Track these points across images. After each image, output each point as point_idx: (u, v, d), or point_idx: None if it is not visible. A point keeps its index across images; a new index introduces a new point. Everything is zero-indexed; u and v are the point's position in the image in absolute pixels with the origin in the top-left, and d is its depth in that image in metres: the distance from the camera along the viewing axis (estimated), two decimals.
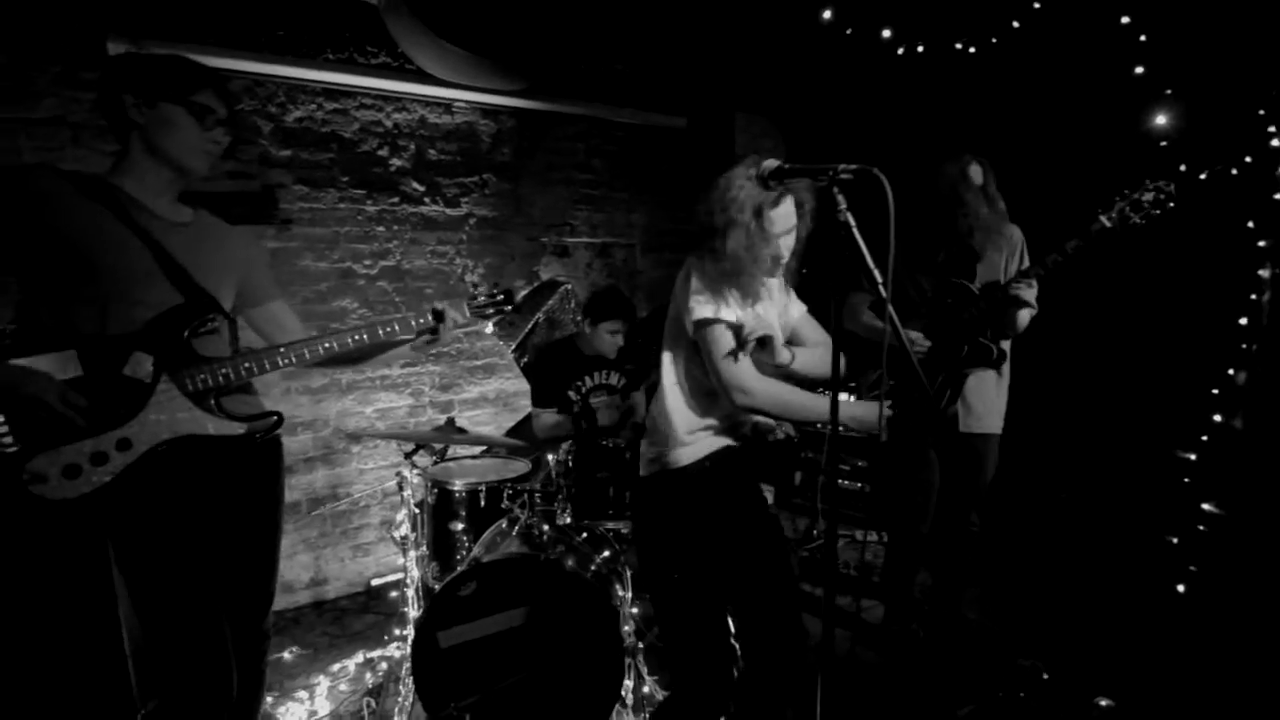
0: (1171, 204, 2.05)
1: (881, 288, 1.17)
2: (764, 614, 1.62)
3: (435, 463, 2.54)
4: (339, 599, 3.20)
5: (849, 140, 4.18)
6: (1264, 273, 2.46)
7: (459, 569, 2.10)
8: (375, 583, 3.28)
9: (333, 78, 3.00)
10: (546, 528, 2.24)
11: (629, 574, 2.31)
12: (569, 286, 3.69)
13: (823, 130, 4.33)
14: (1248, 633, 2.43)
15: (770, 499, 4.32)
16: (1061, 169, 3.06)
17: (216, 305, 1.50)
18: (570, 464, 2.27)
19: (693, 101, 4.12)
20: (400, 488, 2.40)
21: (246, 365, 1.49)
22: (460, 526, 2.45)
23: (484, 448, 3.09)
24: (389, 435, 2.59)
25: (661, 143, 4.00)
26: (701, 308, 1.50)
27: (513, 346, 3.60)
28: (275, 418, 1.57)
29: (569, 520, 2.26)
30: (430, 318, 1.64)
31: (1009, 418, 2.49)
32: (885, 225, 1.20)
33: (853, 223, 1.18)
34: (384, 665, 2.54)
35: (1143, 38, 2.53)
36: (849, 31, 2.79)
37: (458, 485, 2.43)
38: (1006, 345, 2.44)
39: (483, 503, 2.45)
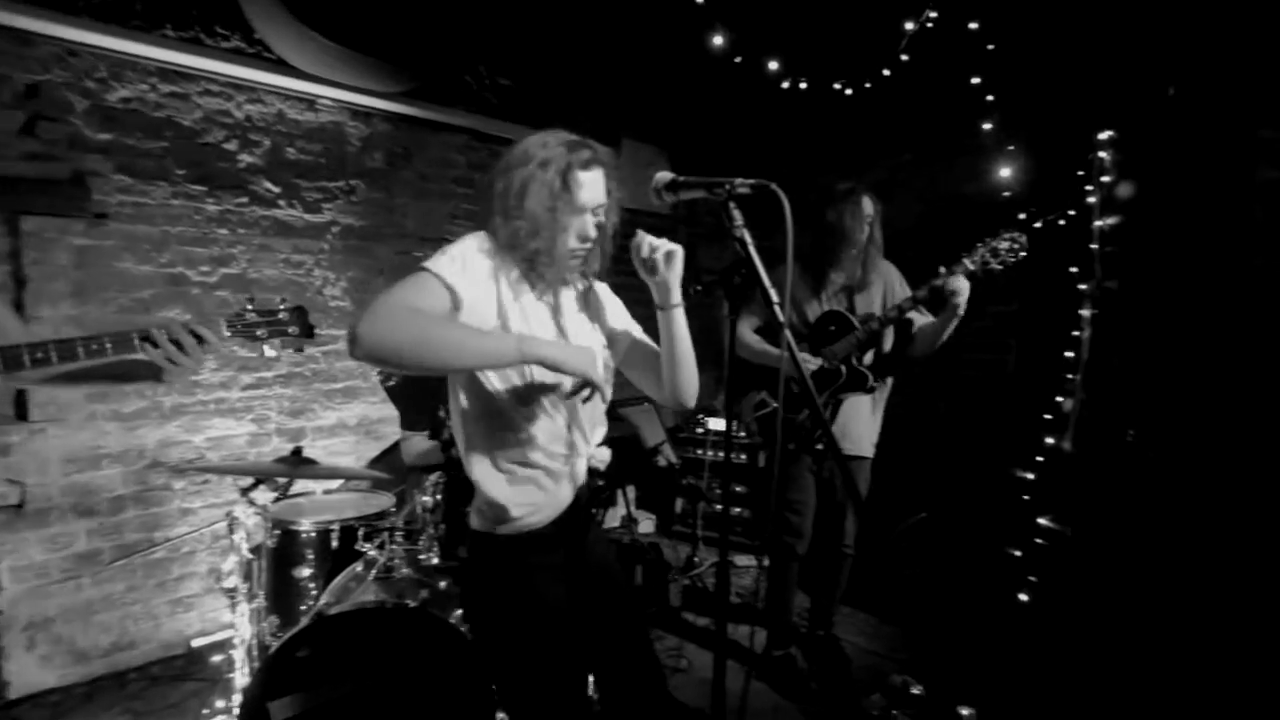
0: (1024, 253, 2.24)
1: (778, 307, 1.12)
2: (614, 670, 1.42)
3: (277, 499, 2.21)
4: (150, 665, 2.70)
5: (735, 171, 4.31)
6: (1084, 312, 2.76)
7: (301, 623, 1.80)
8: (198, 643, 2.80)
9: (171, 57, 2.63)
10: (408, 570, 2.00)
11: None
12: None
13: (710, 161, 4.45)
14: (1082, 635, 2.64)
15: (651, 527, 4.31)
16: (921, 211, 3.32)
17: None
18: (439, 497, 2.04)
19: (580, 123, 4.07)
20: (230, 529, 2.05)
21: None
22: (307, 573, 2.16)
23: (340, 481, 2.78)
24: (221, 469, 2.22)
25: None
26: (436, 260, 1.20)
27: (378, 370, 3.29)
28: None
29: (436, 560, 2.03)
30: (139, 339, 1.27)
31: (880, 442, 2.59)
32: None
33: (749, 239, 1.13)
34: None
35: (990, 97, 2.81)
36: (737, 60, 2.87)
37: (305, 525, 2.15)
38: (886, 381, 2.54)
39: (335, 544, 2.18)
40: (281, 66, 2.89)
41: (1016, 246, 2.23)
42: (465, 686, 1.77)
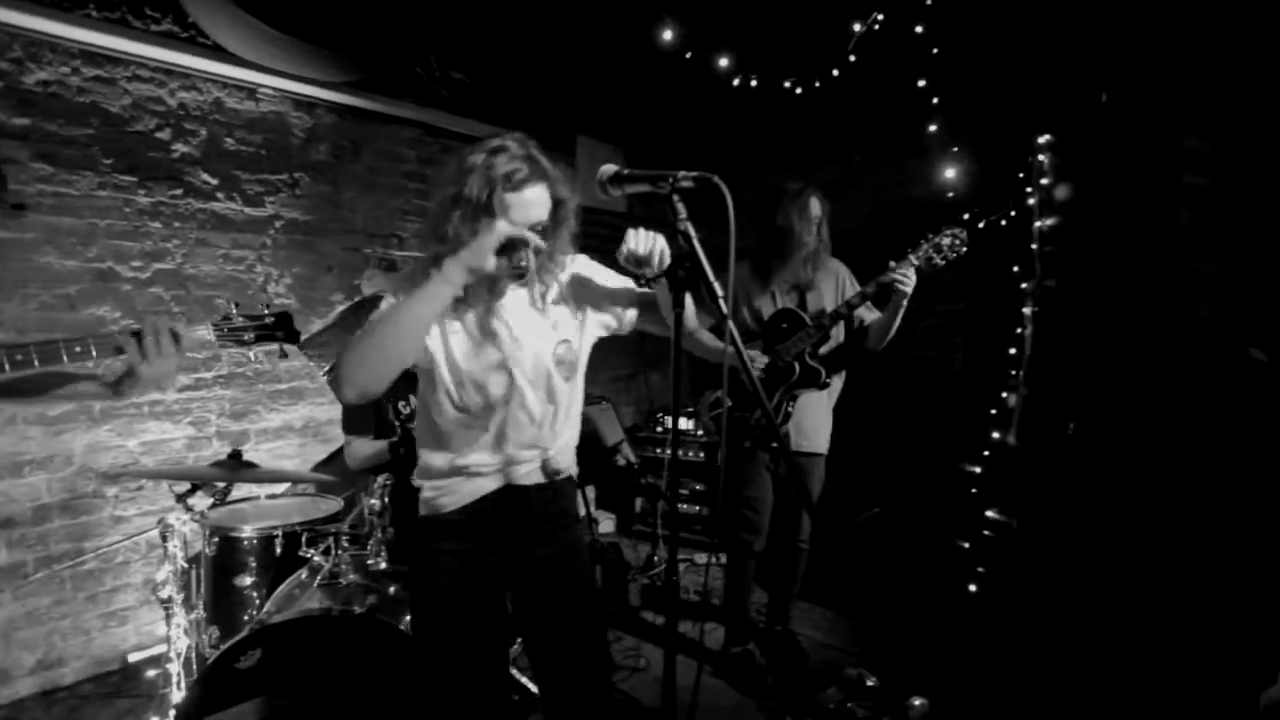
0: (965, 249, 2.31)
1: (722, 302, 1.11)
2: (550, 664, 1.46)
3: (214, 505, 2.12)
4: (80, 683, 2.56)
5: (690, 169, 4.33)
6: (1027, 310, 2.86)
7: (241, 633, 1.74)
8: (134, 658, 2.67)
9: (94, 38, 2.49)
10: (355, 576, 1.95)
11: None
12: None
13: (665, 160, 4.45)
14: (1027, 623, 2.74)
15: (611, 527, 4.30)
16: (870, 212, 3.39)
17: None
18: (387, 500, 1.98)
19: (535, 120, 4.03)
20: (164, 537, 1.96)
21: None
22: (249, 581, 2.09)
23: (285, 486, 2.69)
24: (154, 474, 2.13)
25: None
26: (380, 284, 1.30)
27: (326, 369, 3.19)
28: None
29: (385, 565, 1.98)
30: (121, 344, 1.23)
31: (832, 439, 2.63)
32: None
33: (693, 234, 1.13)
34: None
35: (935, 100, 2.89)
36: (689, 56, 2.88)
37: (246, 531, 2.09)
38: (839, 376, 2.59)
39: (278, 550, 2.11)
40: (218, 53, 2.77)
41: (957, 242, 2.29)
42: (413, 694, 1.73)
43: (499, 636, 1.46)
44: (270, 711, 1.65)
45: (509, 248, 1.25)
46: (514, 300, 1.39)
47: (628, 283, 1.47)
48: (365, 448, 2.37)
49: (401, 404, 2.52)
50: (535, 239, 1.27)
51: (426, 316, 1.25)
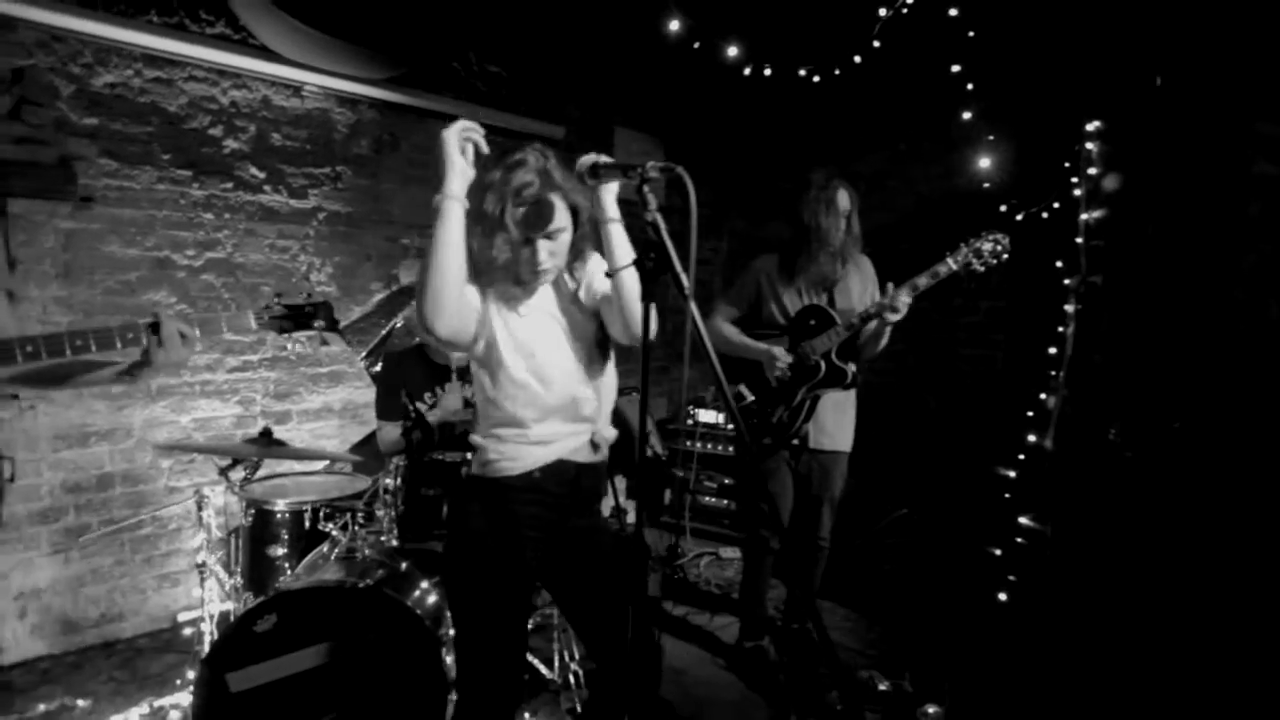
0: (1006, 255, 2.24)
1: (688, 292, 1.14)
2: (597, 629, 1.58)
3: (244, 481, 2.28)
4: (137, 638, 2.81)
5: (733, 161, 4.32)
6: (1069, 307, 2.73)
7: (260, 598, 1.87)
8: (184, 618, 2.90)
9: (155, 43, 2.69)
10: (369, 551, 2.07)
11: None
12: None
13: (706, 151, 4.44)
14: (1060, 637, 2.63)
15: (630, 517, 4.35)
16: (913, 203, 3.29)
17: None
18: (399, 481, 2.09)
19: (572, 112, 4.09)
20: (199, 507, 2.13)
21: None
22: (281, 552, 2.24)
23: (325, 463, 2.86)
24: (192, 448, 2.31)
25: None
26: None
27: (363, 354, 3.34)
28: None
29: (395, 542, 2.09)
30: (139, 334, 1.34)
31: (864, 436, 2.61)
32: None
33: (661, 224, 1.16)
34: (175, 714, 2.23)
35: (970, 86, 2.77)
36: (696, 46, 2.87)
37: (279, 506, 2.23)
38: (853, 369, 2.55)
39: (307, 524, 2.25)
40: (266, 53, 2.94)
41: (999, 249, 2.24)
42: (417, 666, 1.82)
43: (523, 604, 1.56)
44: (282, 673, 1.77)
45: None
46: (551, 292, 1.54)
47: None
48: (394, 432, 2.49)
49: (429, 395, 2.63)
50: (470, 126, 1.39)
51: (448, 236, 1.36)
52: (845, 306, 2.47)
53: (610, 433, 1.60)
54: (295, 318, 1.49)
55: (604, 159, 1.35)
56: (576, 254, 1.50)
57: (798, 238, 2.49)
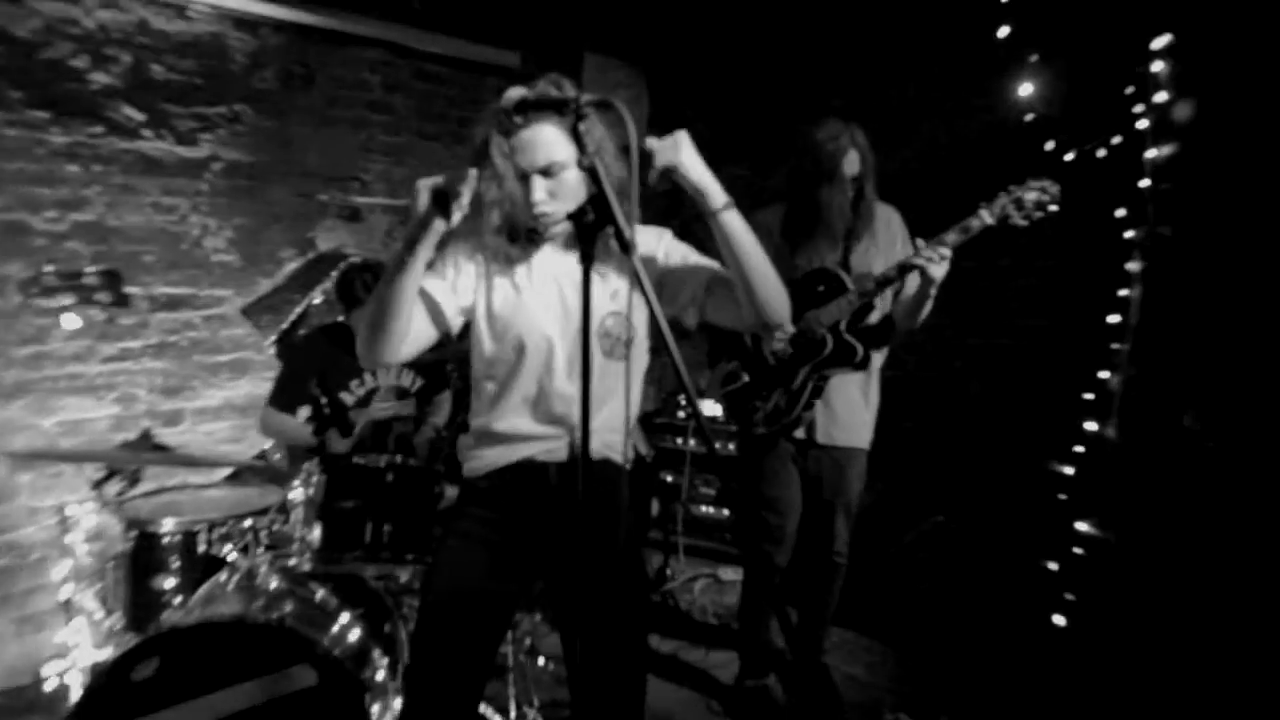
0: (1054, 206, 2.23)
1: (632, 252, 1.14)
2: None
3: (124, 496, 2.25)
4: None
5: (733, 94, 4.27)
6: (1133, 266, 2.72)
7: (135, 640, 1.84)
8: (48, 669, 2.84)
9: None
10: (277, 578, 2.05)
11: (402, 631, 2.16)
12: (358, 261, 3.47)
13: (700, 82, 4.39)
14: (1129, 671, 2.64)
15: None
16: (946, 138, 3.26)
17: None
18: (312, 491, 2.10)
19: (530, 35, 4.03)
20: (65, 530, 2.09)
21: None
22: (170, 583, 2.22)
23: (229, 471, 2.86)
24: (57, 456, 2.27)
25: (488, 84, 3.87)
26: None
27: (274, 338, 3.33)
28: None
29: (307, 567, 2.08)
30: None
31: (891, 428, 2.60)
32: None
33: (601, 169, 1.18)
34: None
35: None
36: None
37: (167, 526, 2.21)
38: (880, 354, 2.53)
39: (202, 548, 2.24)
40: None
41: (1046, 199, 2.23)
42: (333, 715, 1.80)
43: (489, 621, 1.62)
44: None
45: (442, 199, 1.36)
46: (565, 257, 1.57)
47: (706, 263, 1.59)
48: (284, 423, 2.55)
49: (355, 383, 2.64)
50: (467, 178, 1.36)
51: (406, 251, 1.41)
52: (863, 268, 2.45)
53: (600, 443, 1.58)
54: (72, 288, 1.44)
55: (529, 93, 1.36)
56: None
57: (798, 186, 2.48)
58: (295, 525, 2.10)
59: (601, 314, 1.55)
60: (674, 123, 1.32)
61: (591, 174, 1.17)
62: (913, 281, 2.40)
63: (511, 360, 1.56)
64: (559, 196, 1.46)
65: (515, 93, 1.34)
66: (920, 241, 2.27)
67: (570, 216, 1.22)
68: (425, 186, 1.37)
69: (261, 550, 2.12)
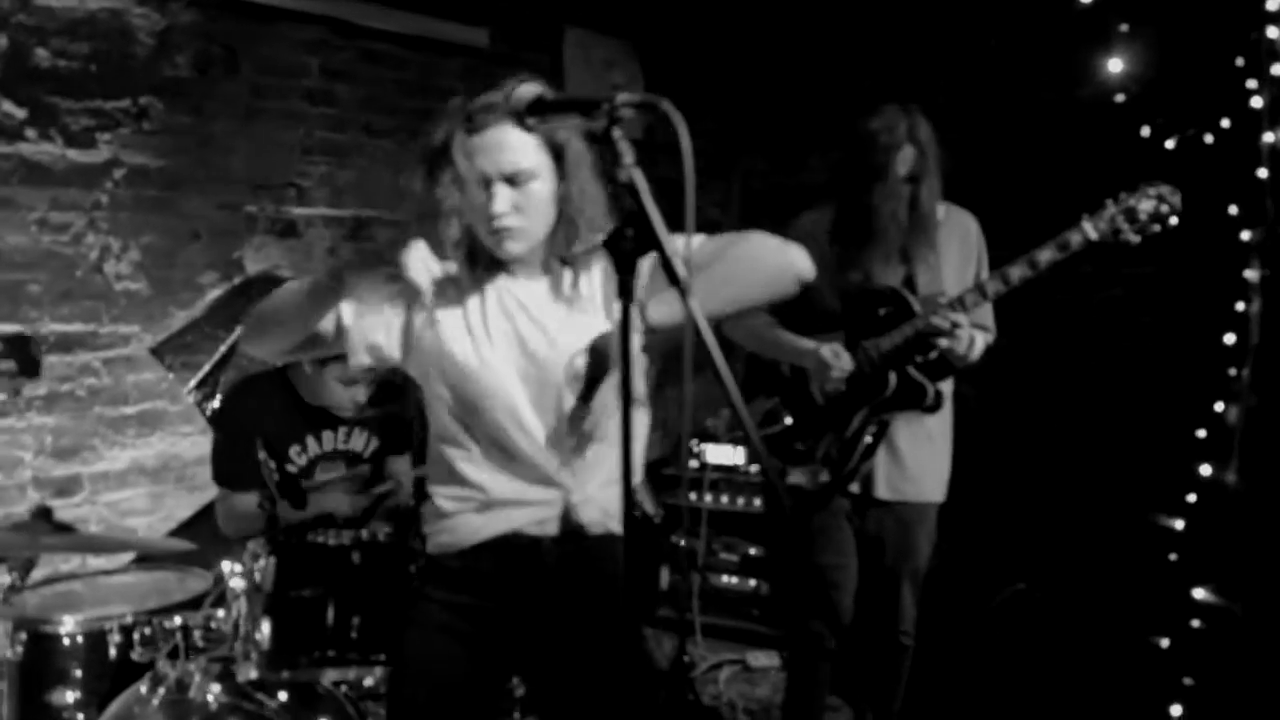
0: (1175, 218, 2.29)
1: (682, 278, 1.14)
2: None
3: (11, 589, 2.21)
4: None
5: (746, 74, 4.32)
6: (1251, 274, 2.78)
7: None
8: None
9: None
10: (217, 689, 2.04)
11: None
12: None
13: (703, 60, 4.44)
14: None
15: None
16: (1024, 124, 3.31)
17: None
18: (259, 577, 2.08)
19: (499, 7, 4.08)
20: None
21: None
22: (71, 698, 2.20)
23: (131, 557, 2.83)
24: None
25: (450, 66, 3.92)
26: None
27: (193, 383, 3.30)
28: None
29: (255, 674, 2.05)
30: None
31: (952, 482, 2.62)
32: None
33: (641, 183, 1.17)
34: None
35: None
36: None
37: (67, 626, 2.19)
38: (948, 386, 2.56)
39: (113, 652, 2.20)
40: None
41: (1166, 210, 2.29)
42: None
43: None
44: None
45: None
46: (529, 285, 1.64)
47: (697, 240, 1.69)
48: (247, 503, 2.50)
49: (295, 449, 2.67)
50: (421, 278, 1.51)
51: (296, 303, 1.63)
52: (932, 290, 2.48)
53: (596, 512, 1.66)
54: None
55: (547, 91, 1.38)
56: (577, 207, 1.59)
57: (846, 189, 2.53)
58: (237, 621, 2.07)
59: (571, 353, 1.60)
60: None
61: (631, 191, 1.17)
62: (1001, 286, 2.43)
63: (474, 416, 1.63)
64: (525, 211, 1.53)
65: (529, 90, 1.35)
66: (965, 289, 2.38)
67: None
68: (419, 262, 1.49)
69: (196, 652, 2.07)
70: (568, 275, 1.65)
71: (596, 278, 1.67)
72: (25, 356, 1.52)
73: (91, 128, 3.08)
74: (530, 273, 1.64)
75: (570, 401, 1.60)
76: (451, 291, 1.61)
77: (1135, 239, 2.29)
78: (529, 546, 1.64)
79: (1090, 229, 2.29)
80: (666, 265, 1.15)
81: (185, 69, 3.27)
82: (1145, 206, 2.27)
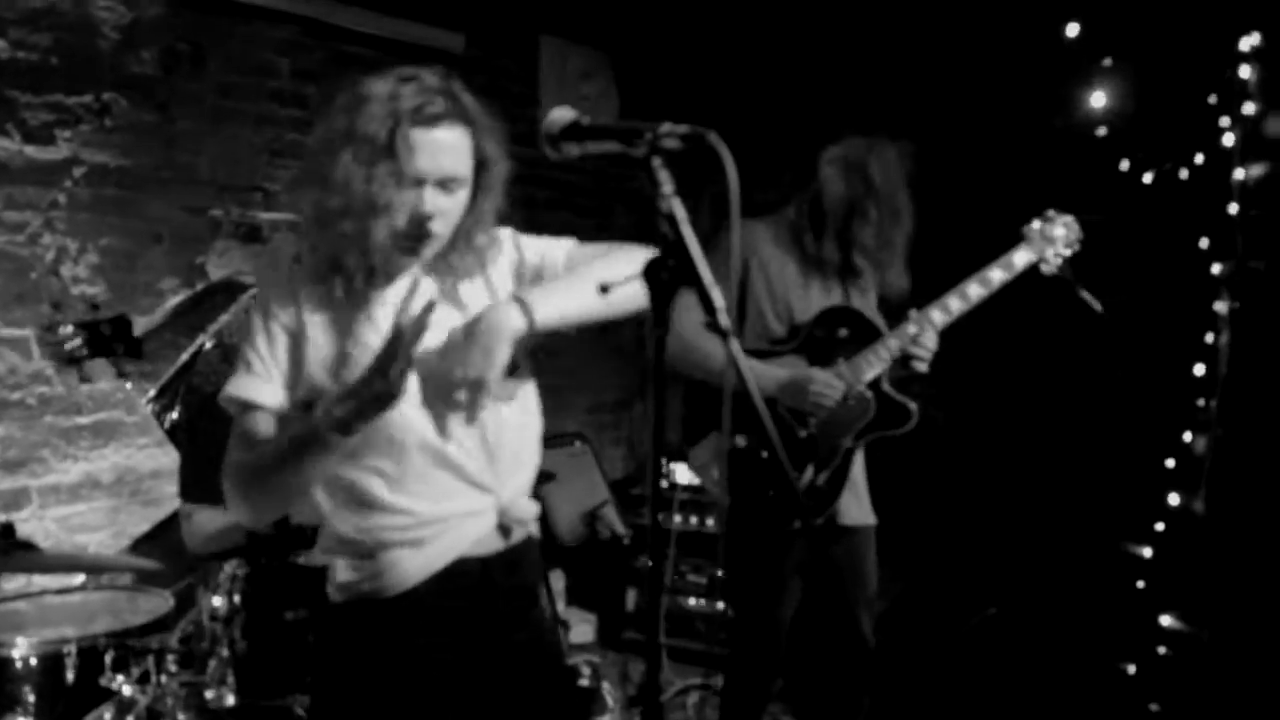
0: (1078, 245, 2.42)
1: (721, 315, 1.14)
2: None
3: None
4: None
5: (720, 88, 4.36)
6: (1221, 307, 2.88)
7: None
8: None
9: None
10: (188, 716, 2.03)
11: None
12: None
13: (678, 72, 4.47)
14: None
15: (590, 634, 4.30)
16: (976, 159, 3.40)
17: None
18: (237, 599, 2.08)
19: (476, 12, 4.09)
20: None
21: None
22: None
23: (81, 575, 2.75)
24: None
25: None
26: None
27: (152, 393, 3.24)
28: None
29: (232, 700, 2.04)
30: None
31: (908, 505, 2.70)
32: None
33: (680, 214, 1.17)
34: None
35: None
36: None
37: (19, 648, 2.15)
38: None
39: (70, 676, 2.16)
40: None
41: (1071, 236, 2.41)
42: None
43: None
44: None
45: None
46: (396, 287, 1.53)
47: (566, 247, 1.68)
48: (213, 521, 2.48)
49: None
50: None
51: (302, 467, 1.44)
52: (868, 313, 2.57)
53: (526, 508, 1.65)
54: (93, 342, 1.42)
55: (582, 117, 1.34)
56: (474, 224, 1.54)
57: (813, 208, 2.54)
58: (212, 644, 2.07)
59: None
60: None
61: (670, 222, 1.16)
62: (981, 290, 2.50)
63: (385, 432, 1.49)
64: (447, 218, 1.47)
65: (564, 114, 1.32)
66: (911, 313, 2.41)
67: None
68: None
69: (166, 677, 2.04)
70: (448, 278, 1.57)
71: (483, 279, 1.61)
72: (128, 336, 1.49)
73: (51, 123, 3.05)
74: (415, 273, 1.54)
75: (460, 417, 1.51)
76: (328, 307, 1.51)
77: (1054, 271, 2.42)
78: (477, 572, 1.57)
79: (1016, 259, 2.40)
80: (704, 299, 1.14)
81: (151, 65, 3.25)
82: (1058, 232, 2.39)
